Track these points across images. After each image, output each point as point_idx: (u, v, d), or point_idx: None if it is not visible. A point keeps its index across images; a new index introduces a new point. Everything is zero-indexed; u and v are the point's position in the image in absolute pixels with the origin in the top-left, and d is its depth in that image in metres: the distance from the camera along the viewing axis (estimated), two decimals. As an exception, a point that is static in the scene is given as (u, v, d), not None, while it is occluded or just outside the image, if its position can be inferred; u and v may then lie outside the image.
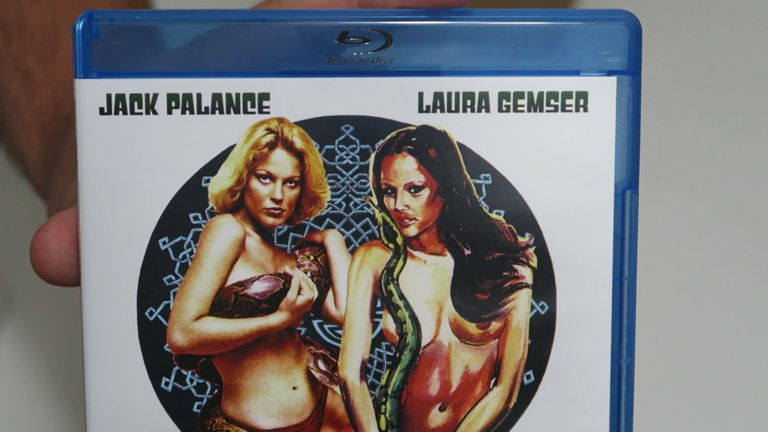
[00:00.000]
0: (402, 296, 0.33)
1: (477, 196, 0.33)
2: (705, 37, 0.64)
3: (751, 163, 0.63)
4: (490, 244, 0.33)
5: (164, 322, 0.33)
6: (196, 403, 0.33)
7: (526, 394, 0.34)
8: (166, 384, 0.33)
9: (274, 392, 0.33)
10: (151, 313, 0.33)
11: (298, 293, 0.33)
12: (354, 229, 0.33)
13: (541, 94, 0.32)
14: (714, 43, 0.64)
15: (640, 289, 0.34)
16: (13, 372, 0.62)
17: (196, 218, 0.33)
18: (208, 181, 0.32)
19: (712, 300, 0.62)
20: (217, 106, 0.32)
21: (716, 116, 0.63)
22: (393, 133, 0.32)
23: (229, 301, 0.33)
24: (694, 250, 0.63)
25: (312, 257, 0.33)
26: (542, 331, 0.33)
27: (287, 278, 0.33)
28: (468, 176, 0.33)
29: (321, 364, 0.33)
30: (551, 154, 0.33)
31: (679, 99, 0.63)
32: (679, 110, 0.63)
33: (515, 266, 0.33)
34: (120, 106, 0.32)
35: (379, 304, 0.33)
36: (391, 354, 0.33)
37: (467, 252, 0.33)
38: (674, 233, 0.62)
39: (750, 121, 0.63)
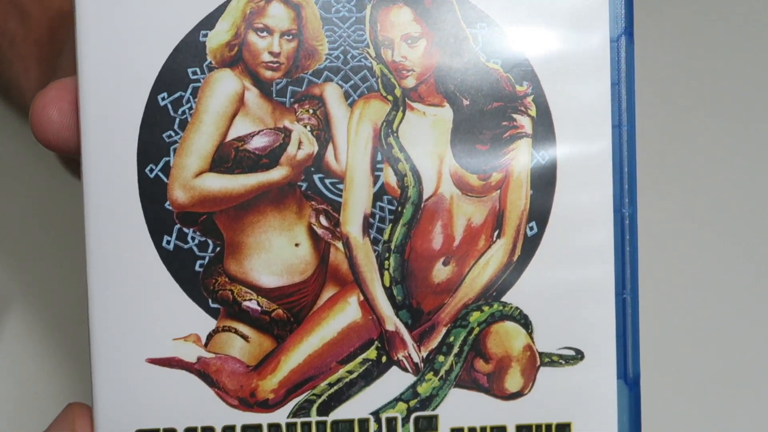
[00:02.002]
0: (402, 149, 0.33)
1: (474, 46, 0.33)
2: (706, 33, 0.64)
3: (754, 159, 0.63)
4: (489, 93, 0.33)
5: (165, 179, 0.33)
6: (198, 262, 0.33)
7: (529, 245, 0.33)
8: (168, 242, 0.33)
9: (277, 249, 0.33)
10: (151, 170, 0.33)
11: (298, 147, 0.33)
12: (352, 82, 0.33)
13: (533, -61, 0.33)
14: (716, 37, 0.64)
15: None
16: (13, 372, 0.62)
17: (194, 73, 0.33)
18: (206, 35, 0.32)
19: (715, 298, 0.62)
20: (212, -41, 0.32)
21: (719, 112, 0.63)
22: (388, -17, 0.33)
23: (229, 156, 0.33)
24: (695, 249, 0.63)
25: (311, 111, 0.33)
26: (543, 180, 0.33)
27: (287, 132, 0.33)
28: (464, 26, 0.33)
29: (323, 220, 0.33)
30: (546, 2, 0.33)
31: (680, 95, 0.63)
32: (680, 107, 0.63)
33: (514, 116, 0.33)
34: (116, -38, 0.32)
35: (379, 158, 0.33)
36: (393, 208, 0.33)
37: (466, 102, 0.33)
38: (676, 231, 0.62)
39: (754, 115, 0.63)
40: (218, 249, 0.33)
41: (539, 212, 0.33)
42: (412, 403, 0.33)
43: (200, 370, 0.33)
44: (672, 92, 0.63)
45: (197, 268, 0.33)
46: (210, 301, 0.33)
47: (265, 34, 0.33)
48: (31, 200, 0.62)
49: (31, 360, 0.61)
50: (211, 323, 0.33)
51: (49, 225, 0.62)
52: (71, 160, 0.46)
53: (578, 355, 0.34)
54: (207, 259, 0.33)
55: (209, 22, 0.32)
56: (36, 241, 0.62)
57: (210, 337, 0.33)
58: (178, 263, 0.33)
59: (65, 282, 0.61)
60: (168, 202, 0.33)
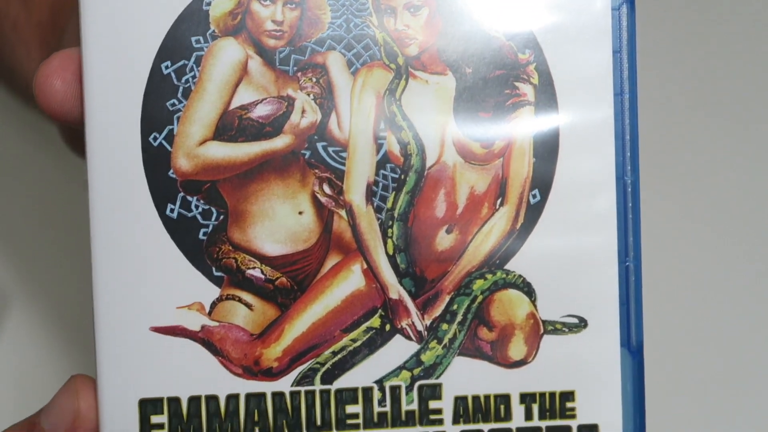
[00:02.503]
0: (405, 117, 0.33)
1: (476, 14, 0.33)
2: (709, 30, 0.64)
3: (754, 158, 0.63)
4: (491, 61, 0.33)
5: (168, 148, 0.33)
6: (202, 230, 0.33)
7: (532, 213, 0.33)
8: (171, 211, 0.33)
9: (280, 217, 0.33)
10: (155, 139, 0.33)
11: (302, 115, 0.33)
12: (355, 50, 0.33)
13: None
14: (718, 36, 0.64)
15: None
16: (13, 372, 0.62)
17: (197, 41, 0.33)
18: (209, 4, 0.33)
19: (717, 298, 0.62)
20: (216, -72, 0.32)
21: (720, 111, 0.64)
22: (391, -48, 0.33)
23: (232, 124, 0.33)
24: (698, 249, 0.63)
25: (314, 79, 0.33)
26: (546, 148, 0.33)
27: (290, 101, 0.33)
28: (466, -6, 0.33)
29: (326, 188, 0.33)
30: (547, -30, 0.33)
31: (682, 94, 0.64)
32: (682, 106, 0.64)
33: (516, 84, 0.33)
34: (120, -69, 0.32)
35: (382, 126, 0.33)
36: (396, 176, 0.33)
37: (468, 70, 0.33)
38: (678, 230, 0.62)
39: (754, 114, 0.64)
40: (222, 217, 0.33)
41: (542, 180, 0.33)
42: (416, 371, 0.34)
43: (204, 339, 0.33)
44: (673, 62, 0.63)
45: (201, 236, 0.33)
46: (214, 269, 0.33)
47: (268, 2, 0.33)
48: (31, 192, 0.62)
49: (32, 350, 0.61)
50: (214, 291, 0.33)
51: (50, 217, 0.62)
52: (74, 137, 0.46)
53: (581, 323, 0.34)
54: (211, 227, 0.33)
55: (212, -10, 0.33)
56: (36, 233, 0.62)
57: (214, 305, 0.33)
58: (181, 231, 0.33)
59: (65, 275, 0.61)
60: (172, 171, 0.33)
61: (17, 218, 0.62)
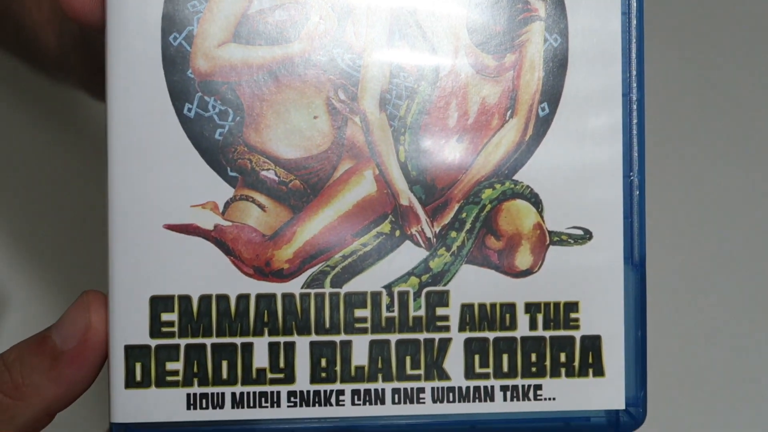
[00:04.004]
0: (419, 26, 0.34)
1: (490, -70, 0.34)
2: (712, 30, 0.66)
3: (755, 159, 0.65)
4: (504, -23, 0.34)
5: (188, 48, 0.33)
6: (218, 130, 0.34)
7: (541, 126, 0.34)
8: (189, 110, 0.33)
9: (295, 121, 0.34)
10: (174, 39, 0.33)
11: (319, 22, 0.34)
12: (373, -39, 0.34)
13: None
14: (720, 38, 0.66)
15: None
16: None
17: (220, -55, 0.33)
18: None
19: (720, 299, 0.64)
20: None
21: (721, 114, 0.65)
22: None
23: (251, 28, 0.33)
24: (700, 249, 0.64)
25: (332, -13, 0.34)
26: (556, 63, 0.34)
27: (308, 7, 0.34)
28: None
29: (341, 94, 0.34)
30: None
31: (685, 97, 0.65)
32: (685, 107, 0.65)
33: (528, -1, 0.34)
34: None
35: (397, 35, 0.34)
36: (410, 85, 0.34)
37: (482, -16, 0.34)
38: (680, 230, 0.64)
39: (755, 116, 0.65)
40: (238, 118, 0.34)
41: (551, 93, 0.34)
42: (424, 277, 0.34)
43: (217, 238, 0.33)
44: (678, 90, 0.65)
45: (217, 136, 0.33)
46: (229, 169, 0.33)
47: None
48: (30, 192, 0.62)
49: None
50: (228, 191, 0.33)
51: (50, 217, 0.62)
52: (93, 80, 0.46)
53: (586, 235, 0.34)
54: (227, 127, 0.34)
55: None
56: (36, 233, 0.62)
57: (227, 205, 0.33)
58: (198, 131, 0.33)
59: (66, 275, 0.61)
60: (190, 71, 0.33)
61: (17, 218, 0.62)
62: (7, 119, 0.63)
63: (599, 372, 0.34)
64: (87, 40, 0.45)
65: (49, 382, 0.33)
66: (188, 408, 0.33)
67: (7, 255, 0.62)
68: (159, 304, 0.33)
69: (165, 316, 0.33)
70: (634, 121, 0.35)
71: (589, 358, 0.34)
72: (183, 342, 0.33)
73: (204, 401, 0.33)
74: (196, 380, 0.33)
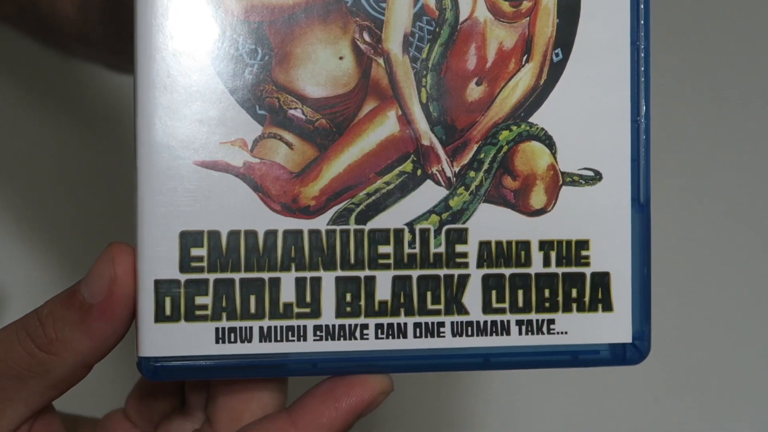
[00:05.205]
0: (441, -28, 0.35)
1: None
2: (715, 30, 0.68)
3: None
4: (521, -73, 0.36)
5: (218, -13, 0.34)
6: (248, 69, 0.34)
7: (555, 71, 0.36)
8: (219, 48, 0.34)
9: (322, 61, 0.34)
10: (205, -23, 0.34)
11: (346, -35, 0.34)
12: None
13: None
14: (723, 37, 0.68)
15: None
16: None
17: None
18: None
19: (723, 301, 0.66)
20: None
21: (724, 114, 0.67)
22: None
23: (280, -31, 0.34)
24: (703, 249, 0.66)
25: (358, -69, 0.35)
26: (569, 10, 0.36)
27: (335, -50, 0.34)
28: None
29: (366, 36, 0.35)
30: None
31: (688, 98, 0.67)
32: (686, 108, 0.67)
33: (543, -51, 0.36)
34: None
35: (420, -20, 0.35)
36: (432, 28, 0.35)
37: (500, -67, 0.35)
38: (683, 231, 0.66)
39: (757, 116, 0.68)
40: (267, 57, 0.34)
41: (564, 40, 0.36)
42: (444, 215, 0.35)
43: (245, 175, 0.34)
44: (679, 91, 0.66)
45: (246, 74, 0.34)
46: (257, 107, 0.34)
47: None
48: (31, 192, 0.62)
49: None
50: (257, 129, 0.34)
51: (51, 217, 0.62)
52: (113, 50, 0.46)
53: (597, 176, 0.36)
54: (256, 66, 0.34)
55: None
56: (36, 233, 0.61)
57: (256, 142, 0.34)
58: (228, 66, 0.34)
59: (66, 275, 0.61)
60: (222, 10, 0.34)
61: (17, 218, 0.62)
62: (8, 120, 0.62)
63: (608, 307, 0.36)
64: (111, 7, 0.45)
65: (81, 335, 0.33)
66: (216, 342, 0.34)
67: (7, 255, 0.61)
68: (188, 239, 0.34)
69: (194, 251, 0.34)
70: (641, 68, 0.36)
71: (598, 294, 0.36)
72: (212, 277, 0.34)
73: (232, 335, 0.34)
74: (224, 314, 0.34)
